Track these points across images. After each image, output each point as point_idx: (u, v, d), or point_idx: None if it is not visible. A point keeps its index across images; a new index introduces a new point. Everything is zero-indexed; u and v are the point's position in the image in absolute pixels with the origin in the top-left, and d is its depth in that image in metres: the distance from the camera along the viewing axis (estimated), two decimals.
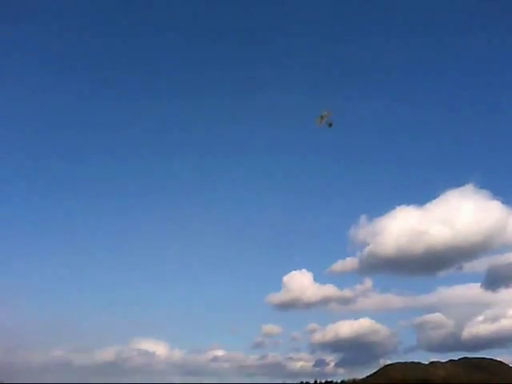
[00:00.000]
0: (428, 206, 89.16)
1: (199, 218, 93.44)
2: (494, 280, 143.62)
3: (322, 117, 51.16)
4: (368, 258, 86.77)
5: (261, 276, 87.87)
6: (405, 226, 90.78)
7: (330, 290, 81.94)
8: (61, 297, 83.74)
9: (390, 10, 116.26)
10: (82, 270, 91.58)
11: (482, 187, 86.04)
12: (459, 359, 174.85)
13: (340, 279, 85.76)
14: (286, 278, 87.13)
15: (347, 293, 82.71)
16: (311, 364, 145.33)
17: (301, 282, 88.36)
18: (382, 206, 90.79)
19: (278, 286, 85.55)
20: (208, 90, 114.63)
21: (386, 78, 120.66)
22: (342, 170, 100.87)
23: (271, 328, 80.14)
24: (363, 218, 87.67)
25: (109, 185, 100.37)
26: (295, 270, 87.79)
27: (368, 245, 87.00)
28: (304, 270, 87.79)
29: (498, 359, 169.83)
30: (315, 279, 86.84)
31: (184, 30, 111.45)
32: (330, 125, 51.29)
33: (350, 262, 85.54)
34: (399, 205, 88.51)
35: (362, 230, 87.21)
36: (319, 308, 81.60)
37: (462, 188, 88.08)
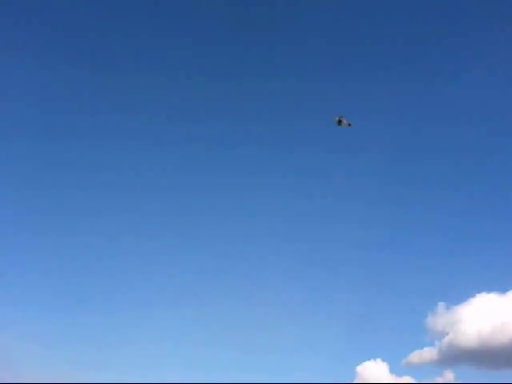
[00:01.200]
0: (511, 293, 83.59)
1: (270, 306, 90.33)
2: None
3: (339, 121, 51.26)
4: (448, 349, 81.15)
5: (333, 364, 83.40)
6: (486, 315, 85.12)
7: (407, 382, 76.80)
8: None
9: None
10: None
11: None
12: None
13: (418, 371, 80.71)
14: (359, 368, 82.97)
15: None
16: None
17: (375, 373, 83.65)
18: (461, 292, 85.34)
19: (351, 376, 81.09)
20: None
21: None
22: (417, 255, 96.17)
23: None
24: (441, 306, 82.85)
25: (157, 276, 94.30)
26: (369, 359, 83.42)
27: (447, 334, 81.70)
28: (379, 360, 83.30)
29: None
30: (391, 370, 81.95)
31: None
32: (350, 124, 51.72)
33: (428, 353, 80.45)
34: (479, 292, 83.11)
35: (440, 319, 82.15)
36: None
37: None
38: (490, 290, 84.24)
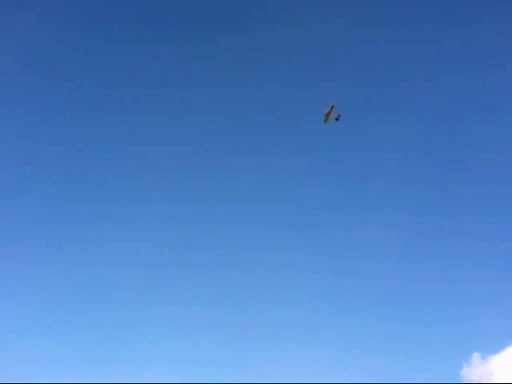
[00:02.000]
0: None
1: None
2: None
3: (327, 114, 47.52)
4: None
5: None
6: None
7: None
8: None
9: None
10: None
11: None
12: None
13: None
14: None
15: None
16: None
17: None
18: (495, 342, 79.58)
19: None
20: None
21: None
22: (448, 302, 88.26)
23: None
24: (476, 357, 78.08)
25: None
26: None
27: None
28: None
29: None
30: None
31: None
32: (337, 119, 47.60)
33: None
34: None
35: (475, 370, 77.61)
36: None
37: None
38: None
